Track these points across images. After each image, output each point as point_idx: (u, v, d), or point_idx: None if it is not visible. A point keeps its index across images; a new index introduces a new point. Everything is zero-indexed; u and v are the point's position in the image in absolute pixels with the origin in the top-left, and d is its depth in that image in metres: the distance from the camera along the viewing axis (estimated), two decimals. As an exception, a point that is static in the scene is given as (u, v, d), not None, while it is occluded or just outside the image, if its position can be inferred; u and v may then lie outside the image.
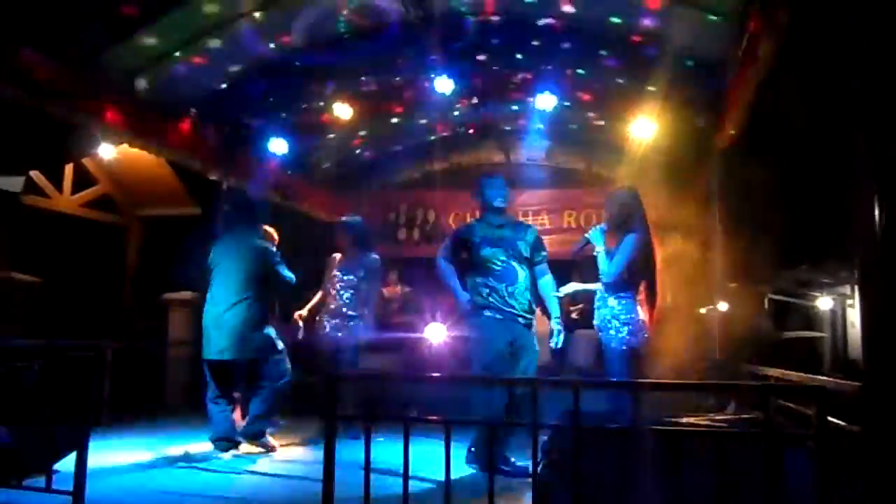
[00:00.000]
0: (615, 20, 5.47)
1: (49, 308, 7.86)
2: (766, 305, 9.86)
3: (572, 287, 4.59)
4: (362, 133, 8.31)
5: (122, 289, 10.39)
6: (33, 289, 6.65)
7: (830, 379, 3.16)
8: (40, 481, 3.00)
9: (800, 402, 3.30)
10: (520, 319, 4.29)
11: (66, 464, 3.16)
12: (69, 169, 9.37)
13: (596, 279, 4.42)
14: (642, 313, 4.20)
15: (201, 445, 4.87)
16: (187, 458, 4.47)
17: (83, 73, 5.36)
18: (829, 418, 2.23)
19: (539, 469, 2.50)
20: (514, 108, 7.97)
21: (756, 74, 4.32)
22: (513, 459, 4.09)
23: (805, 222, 7.75)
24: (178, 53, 5.75)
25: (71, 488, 2.89)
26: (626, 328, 4.10)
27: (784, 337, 9.70)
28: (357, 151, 8.98)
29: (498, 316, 4.24)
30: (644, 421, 2.83)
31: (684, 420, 2.68)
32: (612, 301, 4.18)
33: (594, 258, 4.35)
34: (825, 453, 2.09)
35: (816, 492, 2.11)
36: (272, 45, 6.05)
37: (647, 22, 5.33)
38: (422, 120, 8.34)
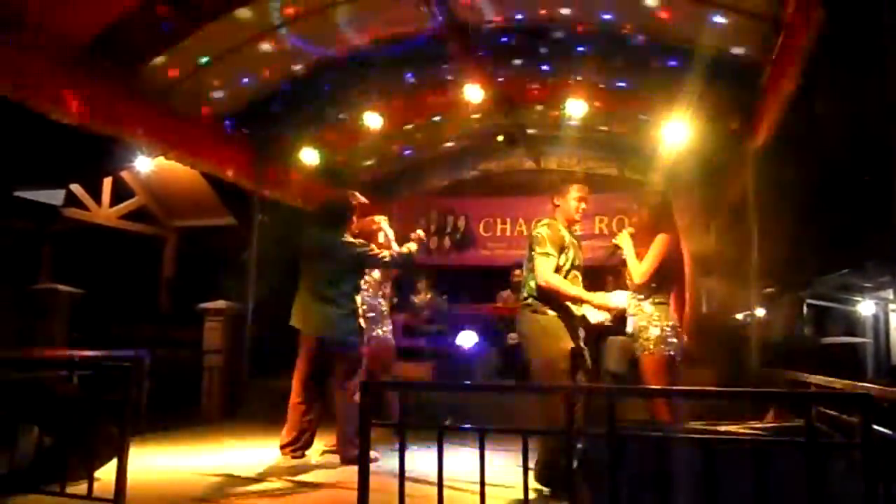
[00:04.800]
0: (647, 23, 5.42)
1: (90, 318, 8.04)
2: (805, 311, 9.66)
3: (624, 296, 4.42)
4: (392, 142, 8.35)
5: (159, 298, 10.59)
6: (76, 300, 6.80)
7: (876, 386, 3.08)
8: (81, 488, 3.06)
9: (843, 409, 3.22)
10: None
11: (107, 471, 3.22)
12: (107, 182, 9.60)
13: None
14: (676, 319, 4.13)
15: (238, 455, 4.92)
16: (225, 466, 4.51)
17: (120, 87, 5.50)
18: (875, 427, 2.17)
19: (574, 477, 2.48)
20: (545, 114, 7.94)
21: (791, 75, 4.24)
22: None
23: (844, 225, 7.58)
24: (213, 66, 5.86)
25: (112, 496, 2.93)
26: (662, 334, 4.02)
27: (824, 343, 9.45)
28: (387, 160, 9.03)
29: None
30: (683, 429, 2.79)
31: (723, 428, 2.63)
32: (647, 306, 4.11)
33: (625, 262, 4.29)
34: (871, 462, 2.04)
35: (863, 501, 2.05)
36: (304, 58, 6.14)
37: (679, 25, 5.28)
38: (451, 128, 8.36)
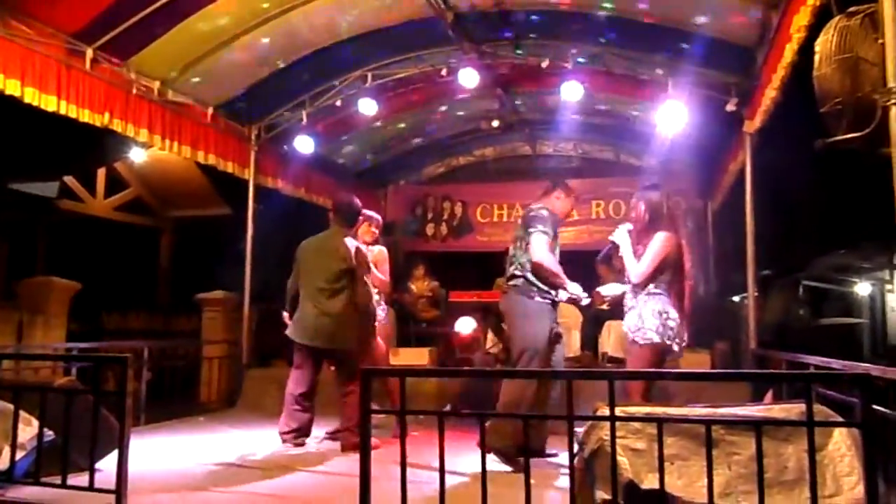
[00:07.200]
0: (641, 6, 5.39)
1: (88, 310, 8.03)
2: (802, 292, 9.69)
3: (618, 289, 4.32)
4: (387, 128, 8.31)
5: (157, 289, 10.59)
6: (73, 293, 6.79)
7: (875, 366, 3.09)
8: (83, 480, 3.06)
9: (841, 389, 3.23)
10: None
11: (108, 463, 3.22)
12: (101, 173, 9.57)
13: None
14: (676, 313, 4.00)
15: (238, 444, 4.93)
16: (226, 455, 4.51)
17: (113, 78, 5.45)
18: (875, 406, 2.18)
19: (575, 460, 2.49)
20: (540, 98, 7.91)
21: (787, 55, 4.21)
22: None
23: (841, 206, 7.59)
24: (206, 56, 5.81)
25: (113, 487, 2.94)
26: (657, 328, 3.91)
27: (821, 324, 9.49)
28: (382, 147, 9.00)
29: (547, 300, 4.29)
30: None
31: (723, 410, 2.63)
32: (643, 298, 3.99)
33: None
34: (871, 441, 2.05)
35: (863, 478, 2.06)
36: (298, 47, 6.10)
37: (675, 6, 5.24)
38: (446, 114, 8.33)
